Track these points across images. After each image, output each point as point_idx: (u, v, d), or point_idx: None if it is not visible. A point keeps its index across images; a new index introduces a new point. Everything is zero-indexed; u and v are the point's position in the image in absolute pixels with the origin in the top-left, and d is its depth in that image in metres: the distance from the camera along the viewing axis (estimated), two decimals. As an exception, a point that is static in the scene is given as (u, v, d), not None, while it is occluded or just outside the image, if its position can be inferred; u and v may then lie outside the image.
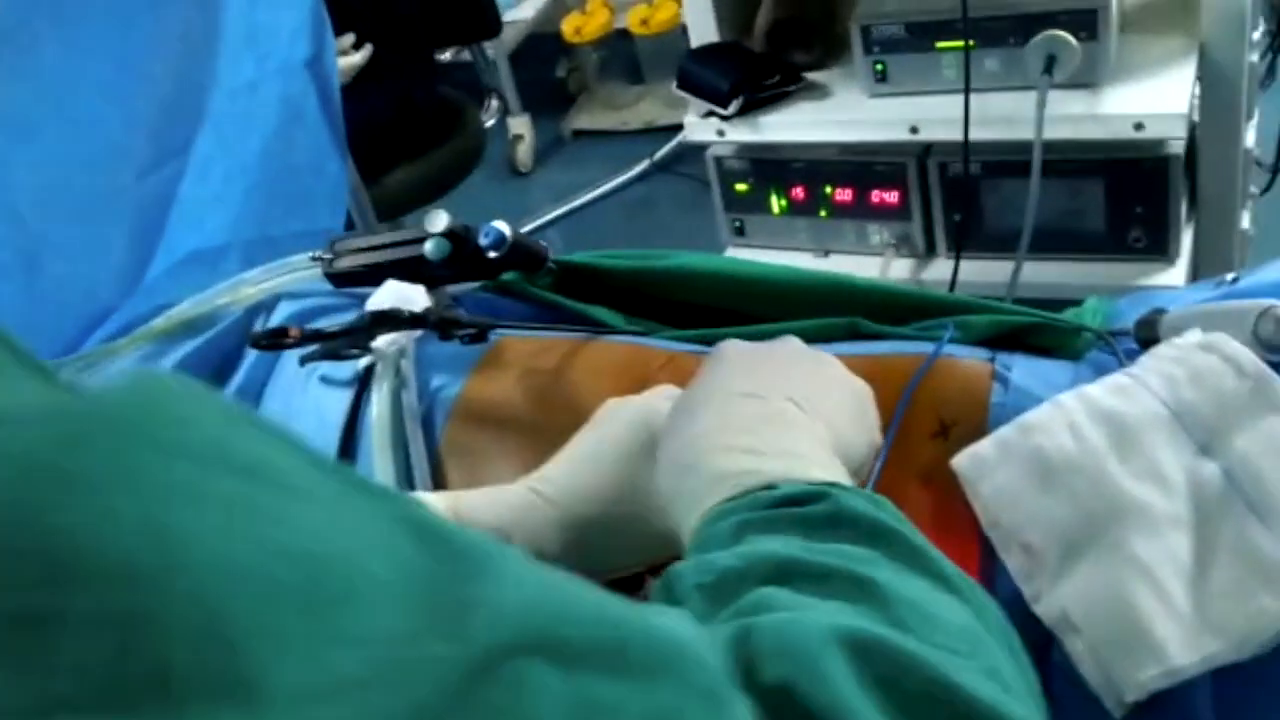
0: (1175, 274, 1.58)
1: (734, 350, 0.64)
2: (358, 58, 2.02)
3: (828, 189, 1.77)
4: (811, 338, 0.79)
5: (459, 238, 0.84)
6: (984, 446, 0.70)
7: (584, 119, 3.31)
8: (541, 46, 3.38)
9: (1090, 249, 1.63)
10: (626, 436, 0.66)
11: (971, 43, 1.56)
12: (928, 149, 1.67)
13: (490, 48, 3.03)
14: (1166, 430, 0.67)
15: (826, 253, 1.85)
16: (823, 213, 1.79)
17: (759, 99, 1.73)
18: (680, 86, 1.79)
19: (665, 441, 0.59)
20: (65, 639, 0.20)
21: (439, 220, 0.83)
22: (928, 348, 0.77)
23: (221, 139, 1.29)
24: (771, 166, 1.79)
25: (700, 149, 1.84)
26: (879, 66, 1.65)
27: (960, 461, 0.70)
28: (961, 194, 1.66)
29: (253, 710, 0.20)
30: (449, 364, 0.83)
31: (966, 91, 1.49)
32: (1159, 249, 1.59)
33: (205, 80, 1.20)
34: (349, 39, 2.02)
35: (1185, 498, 0.65)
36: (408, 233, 0.86)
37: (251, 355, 0.85)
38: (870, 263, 1.78)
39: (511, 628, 0.26)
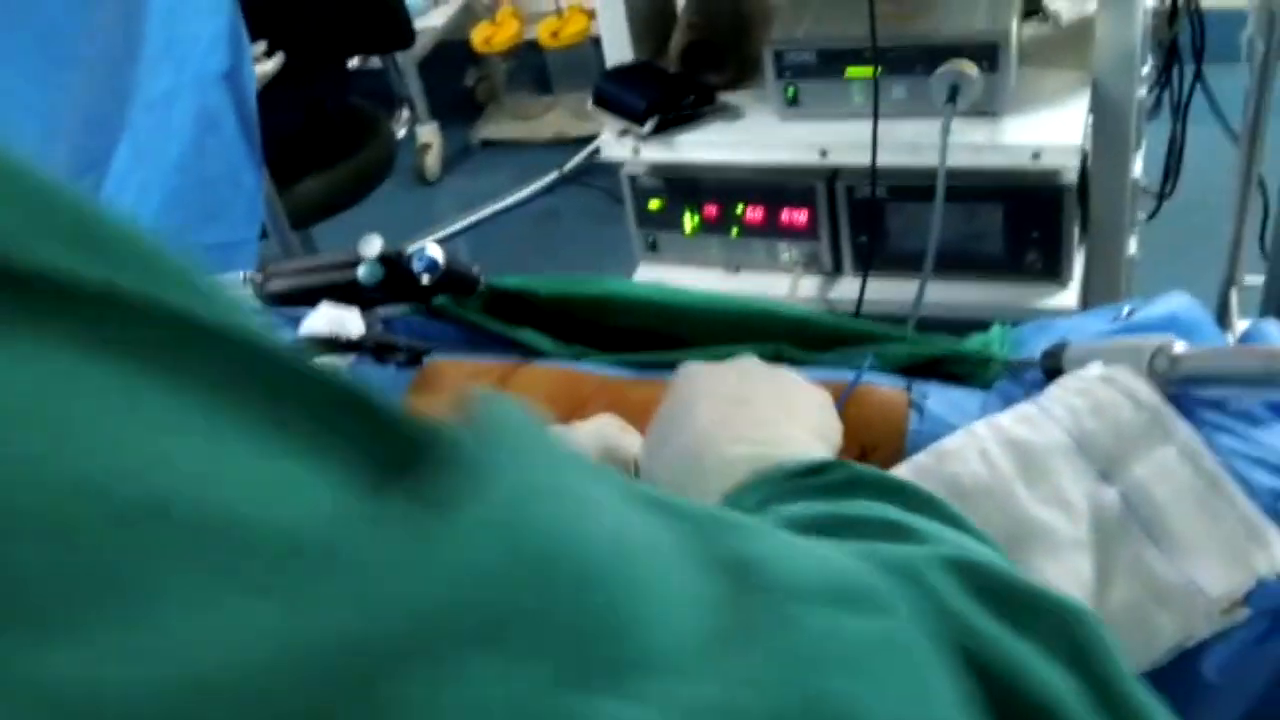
0: (1068, 296, 1.66)
1: (704, 367, 0.67)
2: (269, 65, 2.01)
3: (739, 208, 1.81)
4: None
5: (392, 263, 0.85)
6: (901, 471, 0.73)
7: (492, 129, 3.31)
8: (451, 55, 3.38)
9: (990, 270, 1.70)
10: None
11: (879, 70, 1.61)
12: (836, 172, 1.72)
13: (401, 57, 3.03)
14: (1070, 458, 0.71)
15: (737, 268, 1.89)
16: (734, 231, 1.83)
17: (674, 118, 1.76)
18: (596, 104, 1.81)
19: (668, 438, 0.62)
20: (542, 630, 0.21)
21: (372, 245, 0.85)
22: (848, 375, 0.80)
23: (138, 150, 1.28)
24: (685, 185, 1.82)
25: (613, 165, 1.87)
26: (790, 91, 1.70)
27: (879, 488, 0.73)
28: (868, 216, 1.71)
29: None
30: (383, 387, 0.84)
31: (875, 118, 1.55)
32: (1053, 272, 1.66)
33: (124, 91, 1.19)
34: (260, 47, 2.00)
35: (1087, 522, 0.70)
36: (340, 256, 0.87)
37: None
38: (779, 280, 1.82)
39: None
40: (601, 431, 0.70)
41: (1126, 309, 0.88)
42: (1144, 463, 0.70)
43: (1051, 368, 0.78)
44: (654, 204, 1.87)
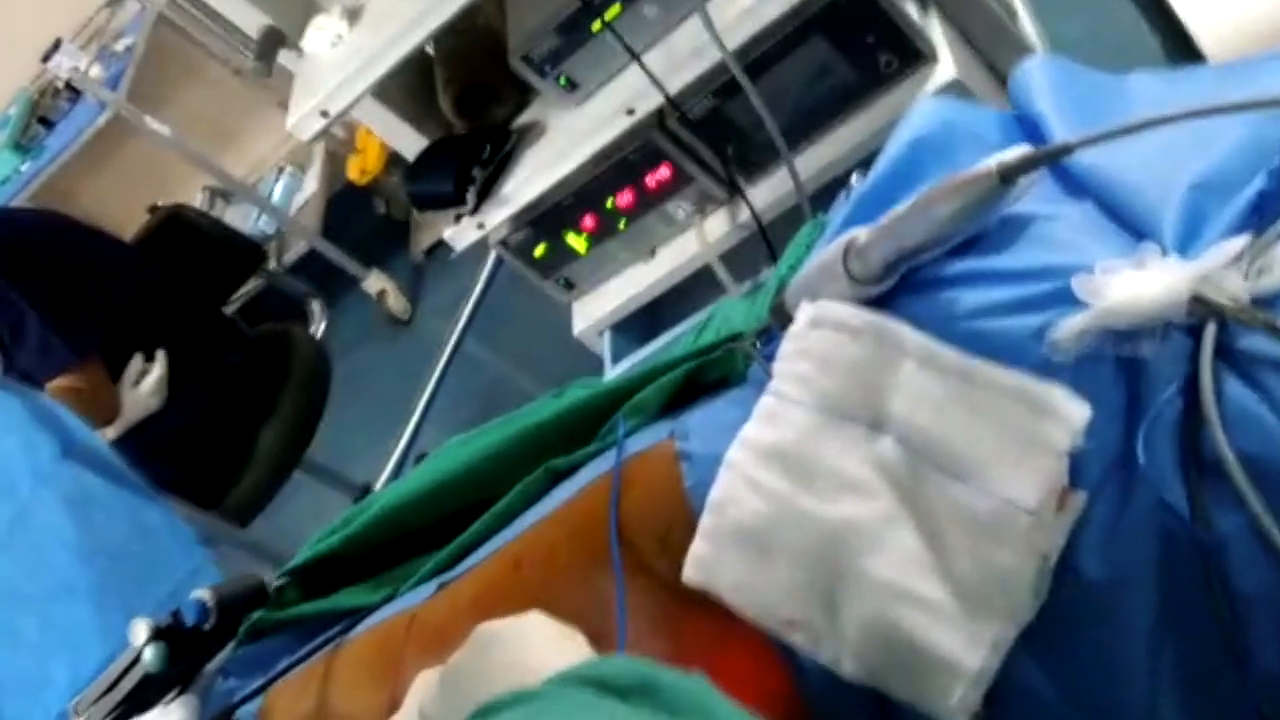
0: (945, 67, 1.50)
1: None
2: (157, 369, 1.98)
3: (609, 203, 1.70)
4: (518, 509, 0.74)
5: (170, 631, 0.79)
6: (698, 547, 0.63)
7: (428, 235, 3.24)
8: (348, 201, 3.34)
9: (857, 100, 1.55)
10: None
11: (621, 9, 1.49)
12: (660, 114, 1.60)
13: (274, 263, 2.97)
14: (829, 433, 0.60)
15: (651, 252, 1.78)
16: (621, 224, 1.73)
17: (490, 175, 1.66)
18: (420, 209, 1.73)
19: None
20: None
21: (138, 631, 0.78)
22: (613, 458, 0.70)
23: (15, 592, 1.25)
24: (547, 218, 1.73)
25: (483, 248, 1.78)
26: (562, 80, 1.59)
27: (689, 575, 0.63)
28: (710, 134, 1.58)
29: None
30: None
31: (634, 56, 1.43)
32: (913, 57, 1.51)
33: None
34: (138, 362, 1.98)
35: (884, 488, 0.58)
36: (126, 657, 0.81)
37: None
38: (690, 237, 1.71)
39: None
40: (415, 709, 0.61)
41: (854, 176, 0.75)
42: (896, 393, 0.58)
43: (784, 322, 0.66)
44: (538, 252, 1.77)
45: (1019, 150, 0.55)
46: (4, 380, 1.57)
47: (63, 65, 2.69)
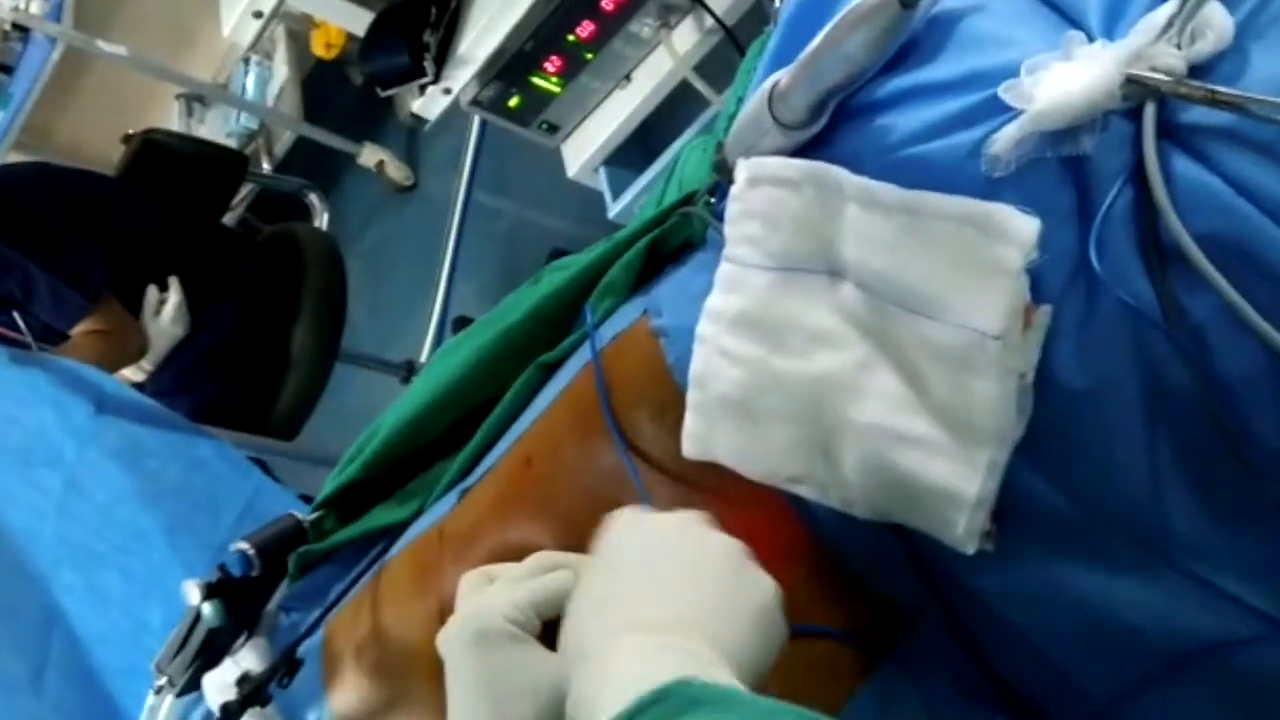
0: None
1: (639, 551, 0.59)
2: (174, 296, 1.99)
3: (570, 38, 1.65)
4: (518, 408, 0.74)
5: (222, 586, 0.82)
6: (691, 423, 0.63)
7: (411, 96, 3.18)
8: (323, 79, 3.26)
9: None
10: (478, 664, 0.62)
11: None
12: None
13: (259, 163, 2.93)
14: (790, 290, 0.59)
15: (626, 78, 1.73)
16: (588, 55, 1.68)
17: (442, 37, 1.61)
18: (383, 88, 1.69)
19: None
20: None
21: (190, 592, 0.81)
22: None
23: (88, 551, 1.30)
24: (512, 67, 1.68)
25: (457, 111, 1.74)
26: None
27: (688, 450, 0.64)
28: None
29: None
30: (310, 693, 0.81)
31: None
32: None
33: (30, 548, 1.21)
34: (153, 292, 1.99)
35: (854, 335, 0.58)
36: (188, 616, 0.84)
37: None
38: (662, 55, 1.66)
39: None
40: (466, 621, 0.63)
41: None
42: (845, 238, 0.57)
43: (727, 178, 0.64)
44: (513, 102, 1.73)
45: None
46: (31, 354, 1.59)
47: (3, 6, 2.63)
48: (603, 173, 1.79)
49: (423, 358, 2.63)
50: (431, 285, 2.83)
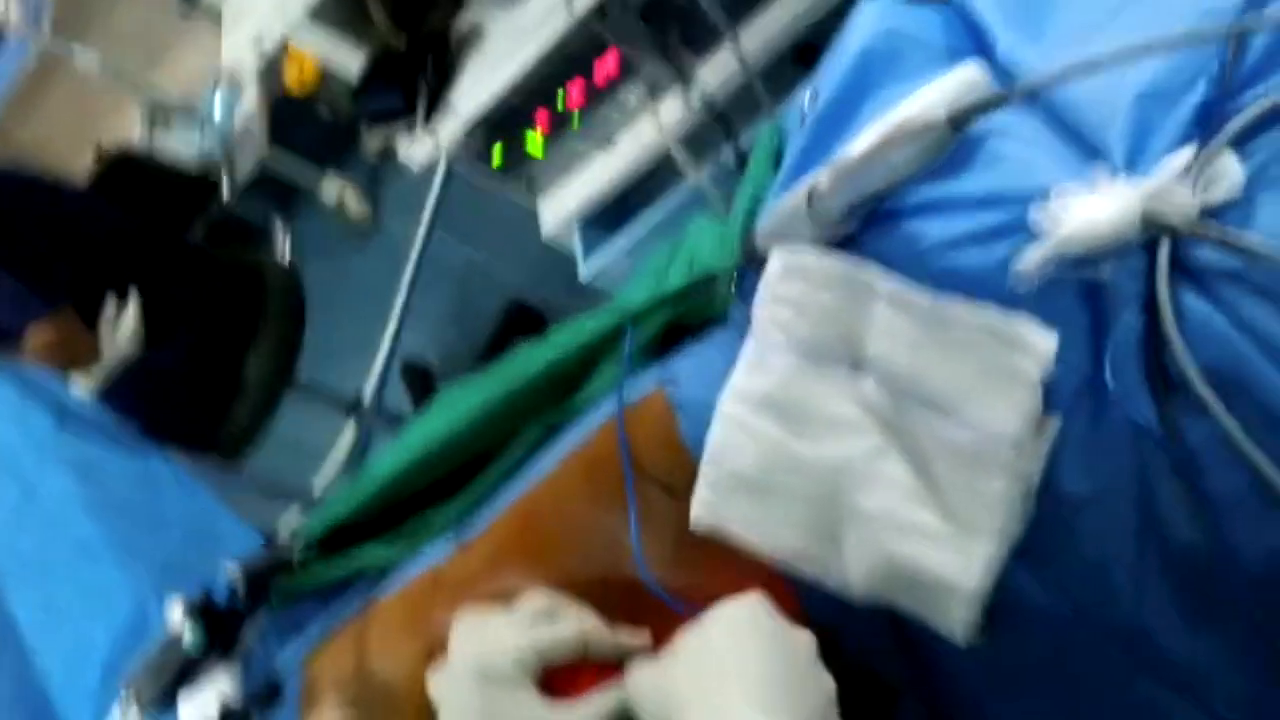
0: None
1: (714, 657, 0.62)
2: (132, 309, 1.98)
3: (559, 99, 1.69)
4: (523, 461, 0.76)
5: (203, 609, 0.82)
6: (702, 494, 0.66)
7: (378, 135, 3.19)
8: (292, 113, 3.27)
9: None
10: (478, 704, 0.65)
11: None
12: (601, 5, 1.58)
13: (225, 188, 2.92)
14: (813, 376, 0.62)
15: (609, 141, 1.77)
16: (575, 121, 1.72)
17: (435, 86, 1.64)
18: (373, 123, 1.71)
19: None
20: None
21: (174, 611, 0.82)
22: (609, 408, 0.73)
23: (40, 563, 1.28)
24: (501, 122, 1.72)
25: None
26: (498, -20, 1.56)
27: (696, 520, 0.67)
28: (653, 19, 1.57)
29: None
30: (283, 724, 0.82)
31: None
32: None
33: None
34: (112, 304, 1.98)
35: (870, 424, 0.61)
36: (164, 641, 0.85)
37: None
38: (646, 123, 1.71)
39: None
40: (464, 661, 0.67)
41: (808, 94, 0.76)
42: (872, 335, 0.60)
43: (757, 264, 0.68)
44: (496, 156, 1.77)
45: (969, 90, 0.56)
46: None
47: (-25, 10, 2.62)
48: (576, 232, 1.83)
49: (366, 395, 2.63)
50: (381, 323, 2.84)
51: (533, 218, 1.92)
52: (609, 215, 1.86)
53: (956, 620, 0.58)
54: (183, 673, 0.85)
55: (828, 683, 0.61)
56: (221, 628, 0.84)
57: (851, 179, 0.59)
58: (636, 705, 0.64)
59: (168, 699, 0.86)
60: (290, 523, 0.83)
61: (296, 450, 2.73)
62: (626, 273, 1.77)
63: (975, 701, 0.66)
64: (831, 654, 0.66)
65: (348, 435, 2.69)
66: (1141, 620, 0.58)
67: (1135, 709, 0.61)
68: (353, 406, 2.37)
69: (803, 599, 0.67)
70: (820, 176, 0.62)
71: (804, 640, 0.63)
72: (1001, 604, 0.59)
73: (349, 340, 2.90)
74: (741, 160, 1.46)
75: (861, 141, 0.59)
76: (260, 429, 2.07)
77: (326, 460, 2.71)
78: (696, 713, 0.58)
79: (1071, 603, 0.59)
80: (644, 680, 0.64)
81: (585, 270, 1.77)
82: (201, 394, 2.05)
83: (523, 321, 2.51)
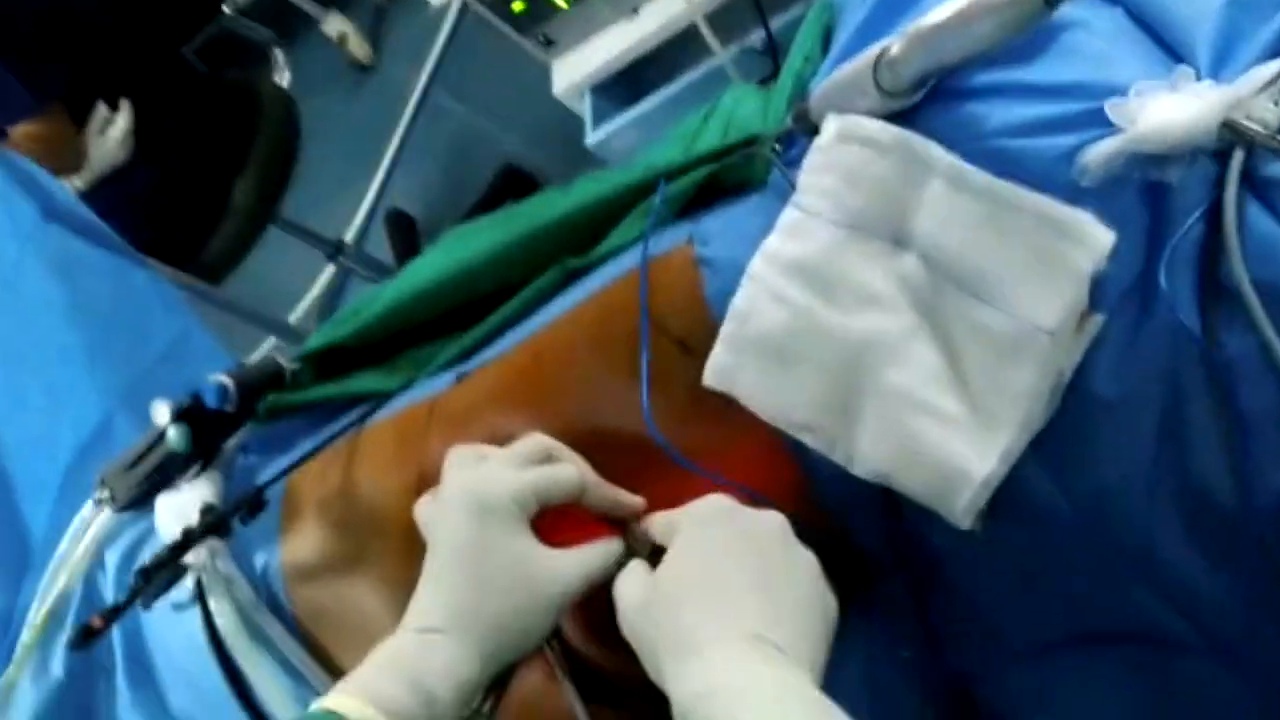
0: None
1: (742, 555, 0.60)
2: (122, 119, 1.93)
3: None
4: (532, 305, 0.75)
5: (191, 412, 0.81)
6: (719, 354, 0.65)
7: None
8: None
9: None
10: (471, 533, 0.64)
11: None
12: None
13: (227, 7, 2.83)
14: (853, 248, 0.61)
15: (634, 11, 1.73)
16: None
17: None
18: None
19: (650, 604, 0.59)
20: None
21: (160, 412, 0.81)
22: (633, 258, 0.72)
23: (16, 353, 1.27)
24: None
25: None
26: None
27: (709, 379, 0.66)
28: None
29: None
30: (263, 536, 0.82)
31: None
32: None
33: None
34: (102, 110, 1.93)
35: (905, 304, 0.60)
36: (149, 435, 0.83)
37: (116, 627, 0.84)
38: (674, -5, 1.66)
39: None
40: (462, 489, 0.65)
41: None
42: (921, 211, 0.59)
43: (808, 129, 0.66)
44: (517, 5, 1.71)
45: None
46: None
47: None
48: (588, 98, 1.79)
49: (348, 239, 2.59)
50: (370, 170, 2.78)
51: (539, 81, 1.87)
52: (623, 86, 1.82)
53: (961, 506, 0.58)
54: (161, 476, 0.85)
55: (809, 561, 0.61)
56: (206, 435, 0.83)
57: (928, 46, 0.57)
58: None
59: (143, 500, 0.85)
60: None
61: (273, 286, 2.70)
62: (632, 146, 1.74)
63: (960, 587, 0.67)
64: (820, 526, 0.66)
65: (325, 276, 2.66)
66: (1147, 531, 0.58)
67: (1124, 616, 0.62)
68: (334, 248, 2.33)
69: (803, 469, 0.66)
70: (892, 42, 0.60)
71: (813, 564, 0.61)
72: (1006, 494, 0.59)
73: (335, 182, 2.85)
74: (770, 44, 1.42)
75: (943, 9, 0.57)
76: (242, 255, 2.04)
77: (305, 299, 2.68)
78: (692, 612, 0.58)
79: (1078, 504, 0.59)
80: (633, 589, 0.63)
81: (593, 137, 1.74)
82: (186, 211, 2.01)
83: (515, 186, 2.47)
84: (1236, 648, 0.61)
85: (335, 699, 0.57)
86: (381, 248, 2.67)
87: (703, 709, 0.52)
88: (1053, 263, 0.55)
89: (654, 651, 0.58)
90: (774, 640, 0.54)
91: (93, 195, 1.89)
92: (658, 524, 0.66)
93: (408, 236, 2.65)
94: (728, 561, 0.60)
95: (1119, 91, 0.55)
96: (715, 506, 0.63)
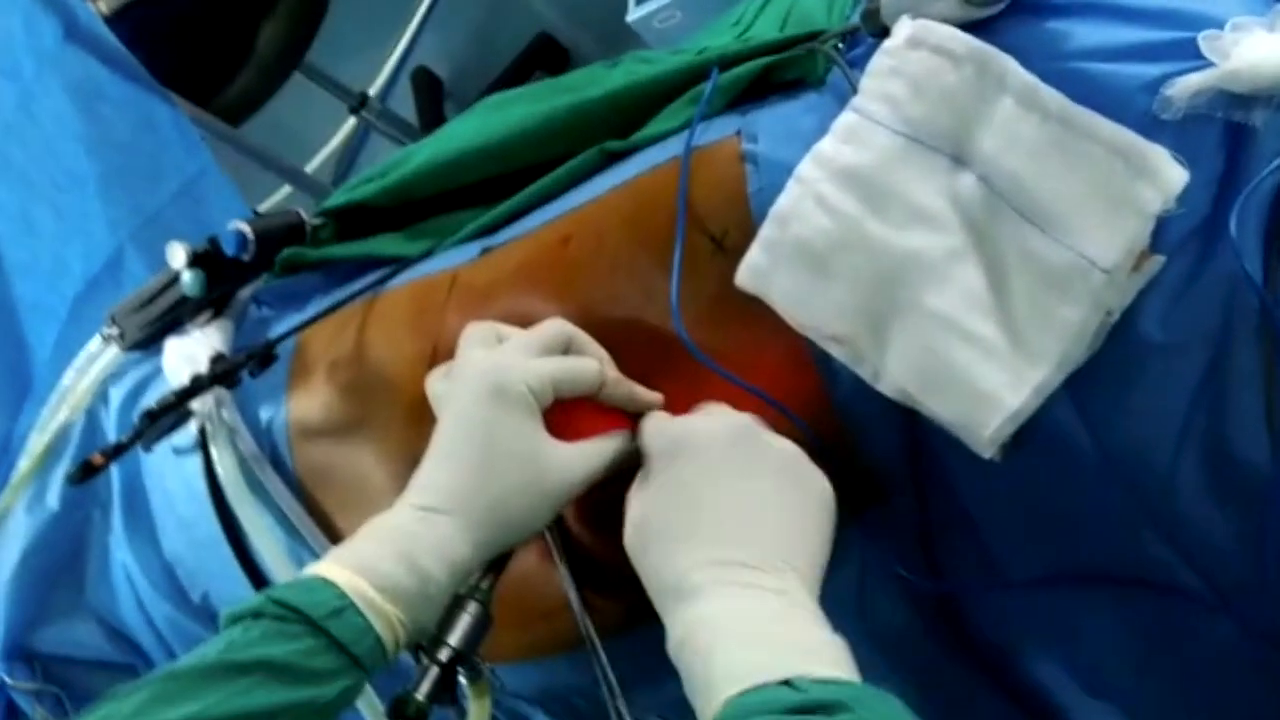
0: None
1: (698, 477, 0.60)
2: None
3: None
4: (566, 184, 0.73)
5: (207, 257, 0.79)
6: (754, 255, 0.63)
7: None
8: None
9: None
10: (483, 416, 0.63)
11: None
12: None
13: None
14: (910, 160, 0.59)
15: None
16: None
17: None
18: None
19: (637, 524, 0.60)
20: None
21: (176, 254, 0.79)
22: (676, 146, 0.69)
23: (25, 177, 1.24)
24: None
25: None
26: None
27: (742, 279, 0.64)
28: None
29: None
30: (270, 390, 0.80)
31: None
32: None
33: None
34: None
35: (956, 224, 0.58)
36: (161, 277, 0.82)
37: (115, 466, 0.84)
38: None
39: None
40: (478, 369, 0.64)
41: None
42: (989, 131, 0.56)
43: (876, 30, 0.63)
44: None
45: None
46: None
47: None
48: (634, -31, 1.73)
49: (372, 93, 2.54)
50: (401, 26, 2.71)
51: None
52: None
53: (987, 435, 0.57)
54: (171, 319, 0.83)
55: (825, 494, 0.61)
56: (220, 282, 0.81)
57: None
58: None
59: (152, 341, 0.84)
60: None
61: (292, 134, 2.65)
62: (675, 28, 1.69)
63: (969, 514, 0.66)
64: (835, 439, 0.65)
65: (346, 129, 2.61)
66: (1169, 479, 0.57)
67: (1133, 560, 0.61)
68: (357, 101, 2.28)
69: (826, 379, 0.64)
70: (977, -55, 0.56)
71: (789, 459, 0.61)
72: (1031, 427, 0.57)
73: (364, 34, 2.78)
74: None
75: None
76: (264, 99, 1.99)
77: (322, 151, 2.64)
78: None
79: (1102, 442, 0.57)
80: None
81: (635, 13, 1.68)
82: (212, 48, 1.96)
83: (548, 56, 2.40)
84: (1241, 601, 0.60)
85: (329, 567, 0.56)
86: (406, 106, 2.61)
87: (684, 658, 0.53)
88: (1119, 197, 0.52)
89: (647, 586, 0.58)
90: (750, 562, 0.55)
91: (117, 20, 1.84)
92: (659, 437, 0.64)
93: (433, 97, 2.59)
94: (709, 490, 0.59)
95: (1215, 24, 0.52)
96: (714, 431, 0.62)
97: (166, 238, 0.88)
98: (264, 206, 2.42)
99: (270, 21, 1.98)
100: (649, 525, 0.59)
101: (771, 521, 0.57)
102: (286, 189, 2.44)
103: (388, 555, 0.57)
